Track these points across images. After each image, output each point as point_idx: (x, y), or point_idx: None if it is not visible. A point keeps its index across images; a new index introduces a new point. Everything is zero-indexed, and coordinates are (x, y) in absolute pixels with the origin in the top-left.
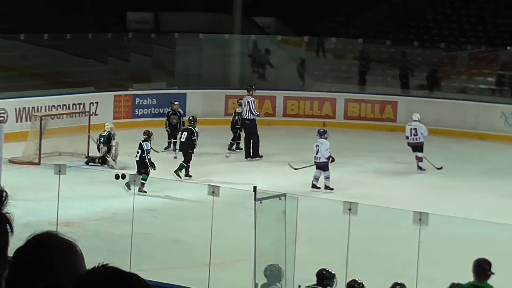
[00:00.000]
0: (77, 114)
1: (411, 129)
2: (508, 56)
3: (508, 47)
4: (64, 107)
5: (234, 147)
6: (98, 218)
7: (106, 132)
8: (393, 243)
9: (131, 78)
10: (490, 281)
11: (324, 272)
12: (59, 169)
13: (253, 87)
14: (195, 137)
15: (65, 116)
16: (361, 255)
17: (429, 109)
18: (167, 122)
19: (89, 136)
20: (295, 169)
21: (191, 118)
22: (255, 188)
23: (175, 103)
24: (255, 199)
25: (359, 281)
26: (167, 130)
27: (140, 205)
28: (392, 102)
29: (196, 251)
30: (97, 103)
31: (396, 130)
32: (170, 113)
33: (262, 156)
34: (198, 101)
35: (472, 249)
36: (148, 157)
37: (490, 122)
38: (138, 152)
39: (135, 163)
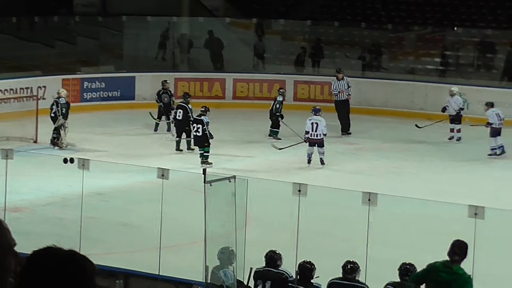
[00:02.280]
0: (24, 99)
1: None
2: (454, 37)
3: (455, 28)
4: (12, 91)
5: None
6: (46, 203)
7: (64, 99)
8: (343, 224)
9: (79, 62)
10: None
11: (271, 253)
12: (6, 154)
13: None
14: (190, 114)
15: (12, 100)
16: (311, 237)
17: (378, 90)
18: (158, 102)
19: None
20: (280, 149)
21: (183, 94)
22: (204, 170)
23: (167, 81)
24: (204, 182)
25: (309, 261)
26: (160, 111)
27: (89, 189)
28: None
29: (147, 234)
30: (44, 87)
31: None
32: (161, 92)
33: None
34: (148, 84)
35: (422, 229)
36: (208, 129)
37: (437, 103)
38: (198, 127)
39: (194, 139)
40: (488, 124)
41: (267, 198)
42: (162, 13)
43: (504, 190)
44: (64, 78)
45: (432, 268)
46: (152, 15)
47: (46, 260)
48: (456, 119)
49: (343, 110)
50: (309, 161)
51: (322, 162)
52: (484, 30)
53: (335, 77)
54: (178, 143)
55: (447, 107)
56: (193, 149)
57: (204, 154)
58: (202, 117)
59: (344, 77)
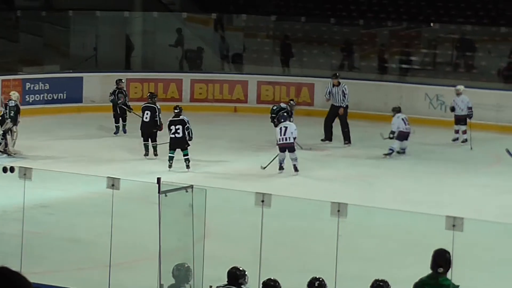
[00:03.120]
0: None
1: (280, 128)
2: (432, 34)
3: (432, 24)
4: None
5: None
6: None
7: (14, 102)
8: (310, 237)
9: (21, 61)
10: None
11: (234, 270)
12: None
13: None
14: (157, 113)
15: None
16: (276, 251)
17: (348, 91)
18: (119, 101)
19: None
20: (264, 168)
21: (149, 94)
22: (159, 179)
23: (122, 80)
24: (159, 192)
25: (274, 280)
26: (118, 110)
27: (32, 201)
28: (309, 85)
29: (96, 250)
30: None
31: (313, 115)
32: (116, 91)
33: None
34: (97, 86)
35: (396, 243)
36: (191, 129)
37: (413, 105)
38: (177, 128)
39: (174, 141)
40: (392, 133)
41: (228, 209)
42: (112, 7)
43: (487, 199)
44: (4, 79)
45: (420, 285)
46: (102, 10)
47: None
48: (462, 119)
49: (335, 117)
50: (280, 168)
51: (295, 169)
52: (463, 26)
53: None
54: (146, 147)
55: (455, 107)
56: (157, 155)
57: (187, 157)
58: (182, 117)
59: (341, 83)
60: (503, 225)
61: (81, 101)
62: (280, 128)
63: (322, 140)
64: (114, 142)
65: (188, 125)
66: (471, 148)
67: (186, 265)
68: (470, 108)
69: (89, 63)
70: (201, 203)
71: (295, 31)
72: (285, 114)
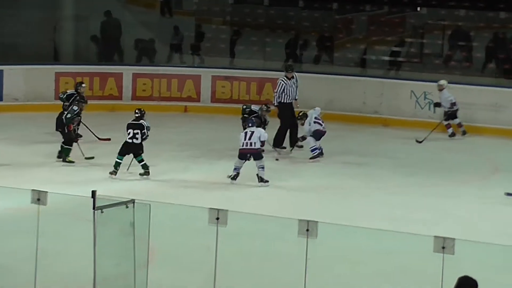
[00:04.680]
0: None
1: (246, 132)
2: (418, 20)
3: (419, 8)
4: None
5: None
6: None
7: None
8: (274, 261)
9: None
10: None
11: None
12: None
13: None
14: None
15: None
16: (233, 278)
17: (319, 87)
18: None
19: None
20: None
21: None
22: (93, 193)
23: (83, 85)
24: (94, 208)
25: None
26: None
27: None
28: (273, 80)
29: (18, 277)
30: None
31: (277, 116)
32: (77, 97)
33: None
34: (19, 81)
35: (374, 267)
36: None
37: (396, 104)
38: (135, 133)
39: (128, 146)
40: (303, 138)
41: (176, 228)
42: None
43: (482, 216)
44: None
45: None
46: None
47: None
48: (450, 116)
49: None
50: (235, 177)
51: (261, 180)
52: (456, 11)
53: (285, 77)
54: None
55: (440, 104)
56: (92, 158)
57: (144, 163)
58: (141, 121)
59: (295, 75)
60: (501, 247)
61: (0, 99)
62: (246, 132)
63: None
64: (41, 148)
65: (146, 131)
66: (420, 142)
67: None
68: (454, 104)
69: (10, 54)
70: (145, 220)
71: (257, 16)
72: (253, 119)
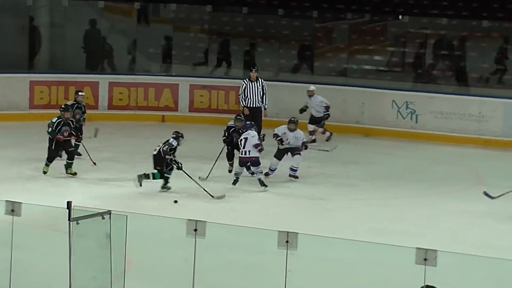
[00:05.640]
0: None
1: (240, 140)
2: (400, 28)
3: (400, 16)
4: None
5: None
6: None
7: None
8: (253, 273)
9: None
10: None
11: None
12: None
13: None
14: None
15: None
16: None
17: (297, 97)
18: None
19: None
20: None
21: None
22: (69, 203)
23: (80, 93)
24: (69, 219)
25: None
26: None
27: None
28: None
29: None
30: None
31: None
32: (75, 105)
33: None
34: None
35: (356, 280)
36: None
37: (378, 114)
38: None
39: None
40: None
41: (153, 239)
42: None
43: (466, 227)
44: None
45: None
46: None
47: None
48: (317, 120)
49: (254, 120)
50: (234, 182)
51: (261, 184)
52: (438, 19)
53: (247, 78)
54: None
55: (307, 108)
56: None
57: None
58: (171, 139)
59: (260, 78)
60: (484, 259)
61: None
62: (240, 140)
63: None
64: (16, 156)
65: (167, 147)
66: (329, 151)
67: None
68: (328, 107)
69: None
70: (121, 232)
71: (236, 25)
72: (248, 123)
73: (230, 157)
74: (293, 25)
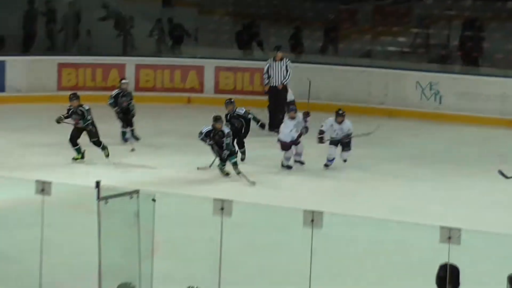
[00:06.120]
0: None
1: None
2: (425, 10)
3: None
4: None
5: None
6: None
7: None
8: (279, 251)
9: None
10: None
11: None
12: None
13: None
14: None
15: None
16: (238, 269)
17: (325, 78)
18: (116, 107)
19: None
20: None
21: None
22: (98, 183)
23: (123, 81)
24: (98, 198)
25: None
26: (119, 117)
27: None
28: None
29: (22, 269)
30: None
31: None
32: (120, 94)
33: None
34: (22, 72)
35: (379, 258)
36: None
37: (402, 95)
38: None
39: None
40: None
41: (181, 219)
42: None
43: (490, 207)
44: None
45: None
46: None
47: None
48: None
49: (277, 99)
50: (288, 167)
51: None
52: (462, 1)
53: (272, 58)
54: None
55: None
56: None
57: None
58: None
59: (284, 58)
60: (509, 237)
61: (3, 90)
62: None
63: (270, 130)
64: (45, 139)
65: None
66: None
67: (131, 285)
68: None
69: (13, 45)
70: (149, 211)
71: (260, 7)
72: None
73: (239, 145)
74: (317, 7)
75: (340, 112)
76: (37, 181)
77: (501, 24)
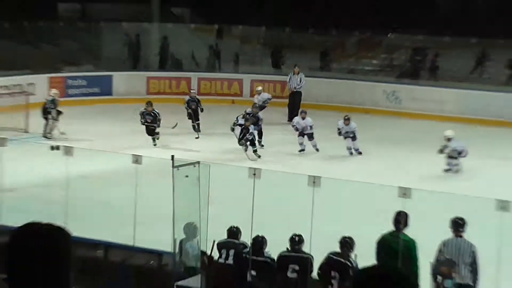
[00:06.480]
0: (15, 94)
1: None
2: (390, 41)
3: (390, 34)
4: (4, 87)
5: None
6: (37, 185)
7: (51, 97)
8: (291, 203)
9: (63, 62)
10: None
11: (233, 228)
12: (1, 143)
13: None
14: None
15: (5, 96)
16: (264, 214)
17: (321, 87)
18: (188, 109)
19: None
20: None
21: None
22: (172, 157)
23: (192, 90)
24: (173, 166)
25: (262, 236)
26: (189, 115)
27: (73, 173)
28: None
29: (123, 211)
30: (33, 84)
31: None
32: (189, 100)
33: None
34: (123, 82)
35: (359, 207)
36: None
37: (374, 99)
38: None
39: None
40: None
41: (227, 181)
42: (135, 19)
43: (431, 174)
44: (51, 76)
45: (382, 241)
46: (126, 21)
47: (28, 231)
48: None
49: (294, 100)
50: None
51: (317, 149)
52: (415, 36)
53: (292, 72)
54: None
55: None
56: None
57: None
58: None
59: (300, 72)
60: (443, 194)
61: (111, 94)
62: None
63: (288, 121)
64: (137, 127)
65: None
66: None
67: (194, 224)
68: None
69: (116, 64)
70: (206, 176)
71: (281, 40)
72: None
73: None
74: (319, 39)
75: (346, 116)
76: (133, 155)
77: (441, 51)
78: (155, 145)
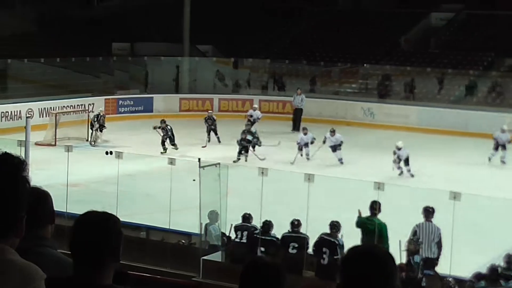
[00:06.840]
0: (79, 112)
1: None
2: (365, 71)
3: (365, 65)
4: (71, 107)
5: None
6: (95, 181)
7: (96, 113)
8: (291, 194)
9: (116, 87)
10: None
11: (246, 214)
12: (68, 149)
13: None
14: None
15: (72, 113)
16: (271, 203)
17: (313, 105)
18: (206, 125)
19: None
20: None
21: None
22: (199, 159)
23: (209, 111)
24: (199, 167)
25: (269, 220)
26: (208, 130)
27: (122, 172)
28: (288, 101)
29: (161, 201)
30: (93, 104)
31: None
32: (207, 118)
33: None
34: (162, 102)
35: (344, 198)
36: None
37: (353, 114)
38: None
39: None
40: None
41: (241, 177)
42: (170, 54)
43: (395, 172)
44: (106, 98)
45: (361, 222)
46: (164, 56)
47: (88, 218)
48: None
49: (297, 115)
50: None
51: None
52: (384, 66)
53: (295, 93)
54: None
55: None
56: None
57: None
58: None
59: (302, 93)
60: (411, 188)
61: (152, 111)
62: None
63: (292, 130)
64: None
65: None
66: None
67: (216, 211)
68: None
69: (156, 88)
70: (225, 174)
71: (281, 69)
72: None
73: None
74: (310, 69)
75: (332, 129)
76: (169, 158)
77: (404, 77)
78: (162, 152)
